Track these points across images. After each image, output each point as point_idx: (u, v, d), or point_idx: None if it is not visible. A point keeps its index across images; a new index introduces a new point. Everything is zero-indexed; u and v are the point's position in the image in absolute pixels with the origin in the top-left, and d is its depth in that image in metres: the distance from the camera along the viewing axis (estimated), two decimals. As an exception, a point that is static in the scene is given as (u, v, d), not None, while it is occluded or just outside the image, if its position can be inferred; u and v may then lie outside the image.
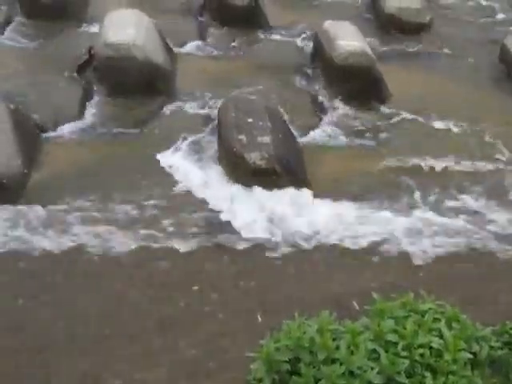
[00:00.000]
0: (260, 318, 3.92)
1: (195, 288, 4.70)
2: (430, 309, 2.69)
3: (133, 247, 5.08)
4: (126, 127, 6.61)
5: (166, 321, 4.45)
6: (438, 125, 7.00)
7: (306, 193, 5.66)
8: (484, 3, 10.25)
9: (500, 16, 9.95)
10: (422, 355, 2.48)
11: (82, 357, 4.10)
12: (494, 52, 8.53)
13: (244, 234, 5.25)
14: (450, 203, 5.79)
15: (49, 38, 8.22)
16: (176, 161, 6.06)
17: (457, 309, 2.75)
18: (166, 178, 5.85)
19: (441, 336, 2.56)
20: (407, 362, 2.45)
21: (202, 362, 4.11)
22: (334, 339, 2.54)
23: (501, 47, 8.47)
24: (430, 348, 2.51)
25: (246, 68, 7.86)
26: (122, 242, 5.10)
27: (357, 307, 3.09)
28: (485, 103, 7.46)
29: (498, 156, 6.53)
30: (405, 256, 5.17)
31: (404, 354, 2.48)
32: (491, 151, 6.59)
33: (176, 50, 8.11)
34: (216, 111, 6.58)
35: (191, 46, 8.40)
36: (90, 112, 6.80)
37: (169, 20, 8.66)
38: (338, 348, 2.48)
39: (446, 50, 8.71)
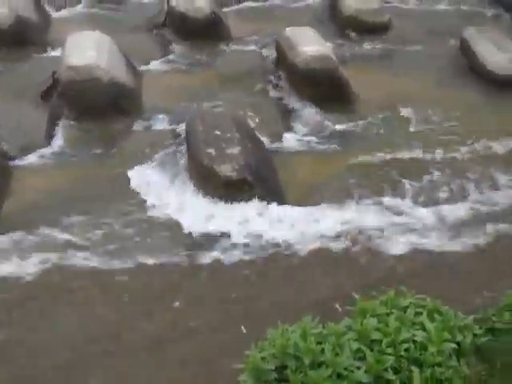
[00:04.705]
0: (245, 329, 3.91)
1: (176, 304, 4.67)
2: (410, 303, 2.71)
3: (110, 268, 5.03)
4: (96, 149, 6.57)
5: (151, 338, 4.41)
6: (405, 122, 7.08)
7: (280, 200, 5.67)
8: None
9: (455, 8, 10.10)
10: (406, 350, 2.50)
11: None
12: (455, 45, 8.67)
13: (220, 247, 5.23)
14: (424, 197, 5.85)
15: (11, 65, 8.15)
16: (147, 179, 6.02)
17: (437, 301, 2.77)
18: (139, 197, 5.81)
19: (424, 329, 2.57)
20: (393, 358, 2.46)
21: (190, 378, 4.08)
22: (319, 343, 2.54)
23: (460, 40, 8.61)
24: (414, 342, 2.52)
25: (211, 80, 7.87)
26: (100, 264, 5.05)
27: (339, 309, 3.10)
28: (449, 97, 7.55)
29: (465, 147, 6.61)
30: (383, 254, 5.20)
31: (389, 350, 2.49)
32: (458, 143, 6.66)
33: (140, 67, 8.10)
34: (184, 126, 6.59)
35: (155, 63, 8.40)
36: (58, 137, 6.75)
37: (131, 38, 8.65)
38: (323, 351, 2.48)
39: (407, 48, 8.82)
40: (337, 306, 3.26)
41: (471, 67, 8.16)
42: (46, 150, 6.55)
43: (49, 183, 6.08)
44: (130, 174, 6.08)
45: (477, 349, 2.72)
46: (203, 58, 8.56)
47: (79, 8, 10.12)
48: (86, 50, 7.19)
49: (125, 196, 5.84)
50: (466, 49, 8.43)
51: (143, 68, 8.15)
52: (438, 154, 6.45)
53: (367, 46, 8.89)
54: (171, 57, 8.60)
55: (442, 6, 10.13)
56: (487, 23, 9.22)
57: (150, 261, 5.10)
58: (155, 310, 4.65)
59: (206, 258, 5.15)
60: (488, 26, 8.98)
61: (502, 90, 7.57)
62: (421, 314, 2.66)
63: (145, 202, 5.76)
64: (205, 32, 8.87)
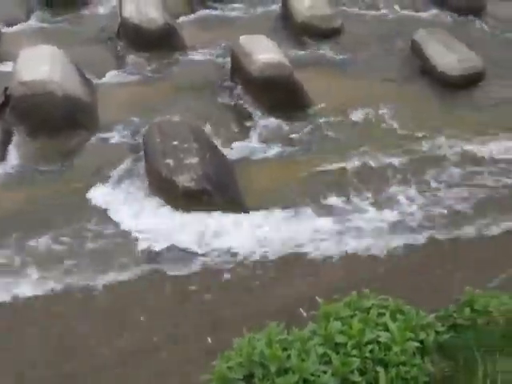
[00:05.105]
0: (210, 340, 3.90)
1: (142, 318, 4.62)
2: (373, 305, 2.73)
3: (75, 286, 4.99)
4: (52, 165, 6.47)
5: (120, 354, 4.36)
6: (361, 124, 7.19)
7: (240, 208, 5.66)
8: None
9: (405, 12, 10.28)
10: (371, 351, 2.51)
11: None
12: (406, 47, 8.81)
13: (183, 258, 5.21)
14: (383, 199, 5.95)
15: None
16: (105, 193, 5.97)
17: (399, 300, 2.80)
18: (98, 213, 5.76)
19: (387, 329, 2.59)
20: (358, 360, 2.47)
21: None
22: (285, 349, 2.54)
23: (411, 42, 8.77)
24: (379, 343, 2.54)
25: (168, 91, 7.83)
26: (57, 282, 4.99)
27: (304, 314, 3.12)
28: (402, 99, 7.69)
29: (419, 147, 6.74)
30: (346, 257, 5.25)
31: (354, 352, 2.50)
32: (414, 145, 6.78)
33: (95, 80, 8.01)
34: (141, 138, 6.53)
35: (110, 75, 8.31)
36: (13, 154, 6.62)
37: (85, 52, 8.54)
38: (289, 357, 2.47)
39: (359, 52, 8.92)
40: (301, 310, 3.28)
41: (422, 70, 8.31)
42: (0, 168, 6.41)
43: (3, 203, 5.95)
44: (88, 188, 6.00)
45: (440, 346, 2.76)
46: (158, 68, 8.50)
47: (31, 22, 9.94)
48: (39, 65, 7.08)
49: (83, 212, 5.76)
50: (417, 50, 8.60)
51: (98, 81, 8.06)
52: (395, 156, 6.56)
53: (321, 51, 8.96)
54: (126, 69, 8.51)
55: (392, 11, 10.28)
56: (435, 25, 9.40)
57: (110, 276, 5.05)
58: (121, 324, 4.60)
59: (167, 270, 5.13)
60: (436, 27, 9.16)
61: (453, 90, 7.76)
62: (383, 314, 2.68)
63: (104, 216, 5.69)
64: (159, 43, 8.82)
